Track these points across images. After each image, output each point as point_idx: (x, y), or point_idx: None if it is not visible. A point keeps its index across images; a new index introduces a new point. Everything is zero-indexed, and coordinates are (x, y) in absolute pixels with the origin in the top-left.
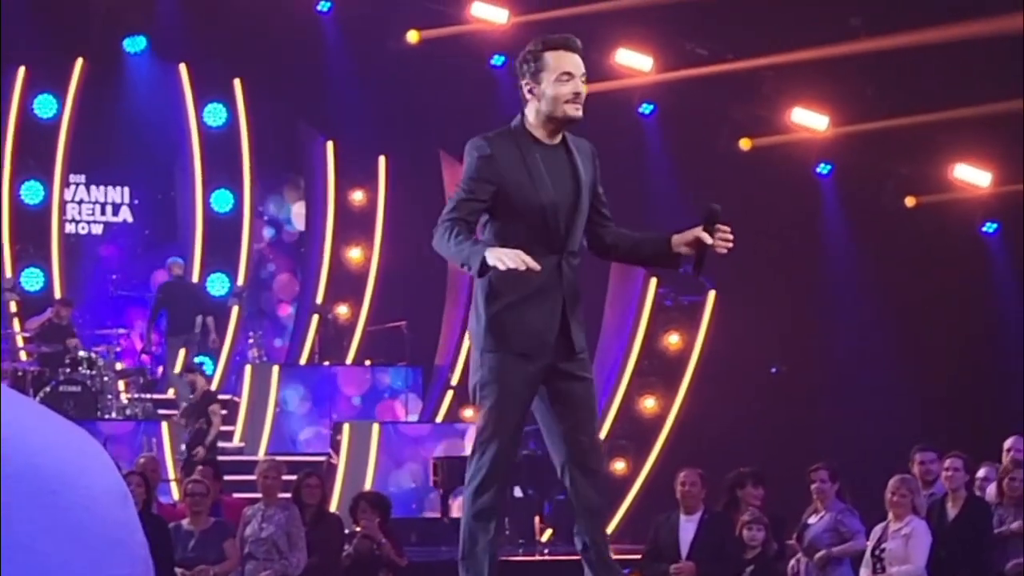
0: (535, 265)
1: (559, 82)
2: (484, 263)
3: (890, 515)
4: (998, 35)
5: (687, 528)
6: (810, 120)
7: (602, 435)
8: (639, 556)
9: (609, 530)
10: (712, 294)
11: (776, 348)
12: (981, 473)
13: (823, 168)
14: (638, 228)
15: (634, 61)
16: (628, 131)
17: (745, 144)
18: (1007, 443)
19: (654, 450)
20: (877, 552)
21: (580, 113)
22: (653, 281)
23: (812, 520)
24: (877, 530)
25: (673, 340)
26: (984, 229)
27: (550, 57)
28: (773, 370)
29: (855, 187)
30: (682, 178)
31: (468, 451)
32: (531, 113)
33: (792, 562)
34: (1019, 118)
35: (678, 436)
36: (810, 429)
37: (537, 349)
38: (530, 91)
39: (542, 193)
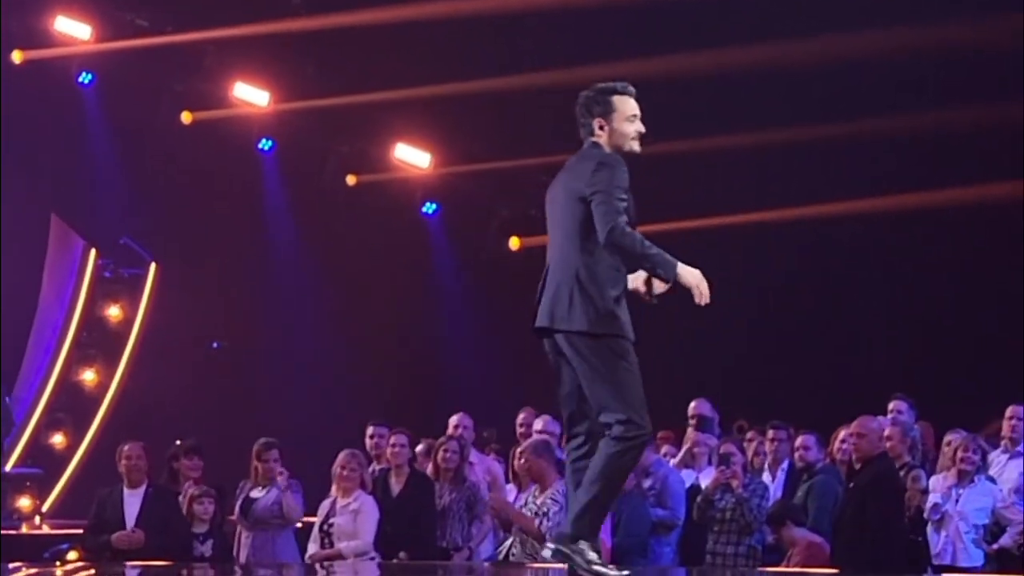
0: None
1: (628, 122)
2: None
3: (336, 489)
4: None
5: (132, 502)
6: (252, 95)
7: (40, 408)
8: (81, 531)
9: (47, 505)
10: (153, 267)
11: (219, 322)
12: (420, 448)
13: (265, 144)
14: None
15: (72, 29)
16: (66, 102)
17: (186, 117)
18: (453, 419)
19: (94, 423)
20: (325, 527)
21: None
22: (93, 252)
23: (257, 494)
24: (325, 505)
25: (114, 312)
26: (424, 209)
27: (617, 101)
28: (215, 344)
29: (297, 163)
30: (122, 151)
31: None
32: (604, 144)
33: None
34: (459, 101)
35: (120, 409)
36: (252, 403)
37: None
38: (600, 127)
39: (631, 208)
